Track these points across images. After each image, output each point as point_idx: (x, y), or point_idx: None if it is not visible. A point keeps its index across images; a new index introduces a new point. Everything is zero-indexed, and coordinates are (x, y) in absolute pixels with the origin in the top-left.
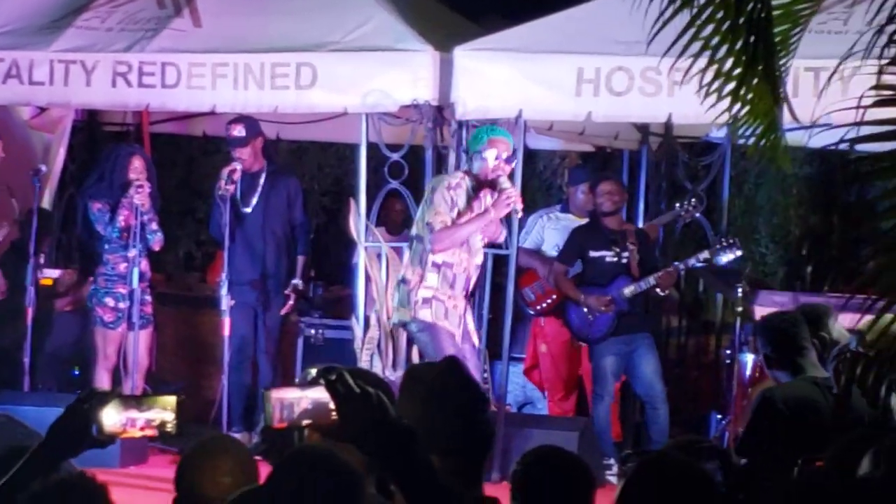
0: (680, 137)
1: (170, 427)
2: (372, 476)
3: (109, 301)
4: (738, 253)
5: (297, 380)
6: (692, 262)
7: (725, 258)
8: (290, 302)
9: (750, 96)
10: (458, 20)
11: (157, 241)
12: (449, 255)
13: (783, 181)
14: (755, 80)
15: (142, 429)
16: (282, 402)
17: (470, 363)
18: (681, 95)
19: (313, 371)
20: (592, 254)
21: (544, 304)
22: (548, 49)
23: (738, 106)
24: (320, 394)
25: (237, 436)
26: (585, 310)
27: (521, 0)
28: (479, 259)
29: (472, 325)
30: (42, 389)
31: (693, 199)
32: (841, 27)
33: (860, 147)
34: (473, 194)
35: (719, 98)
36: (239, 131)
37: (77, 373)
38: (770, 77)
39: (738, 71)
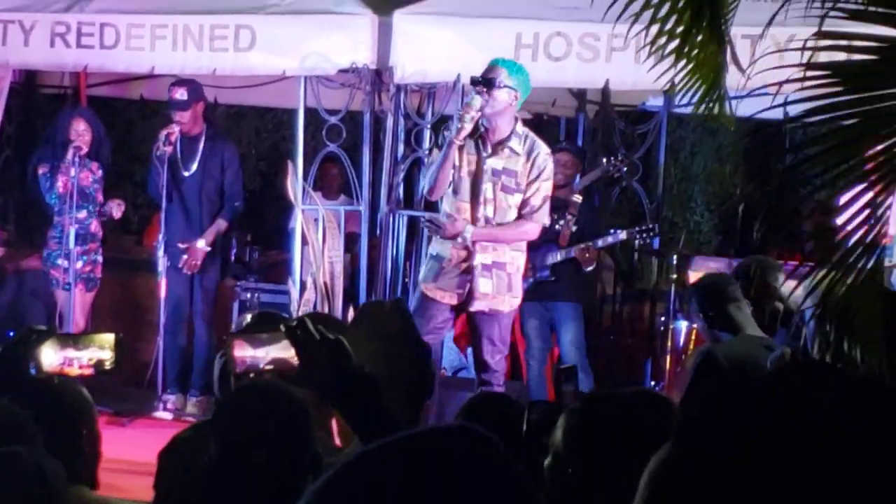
0: (617, 105)
1: (108, 365)
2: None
3: (62, 262)
4: (655, 241)
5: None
6: (610, 239)
7: (642, 241)
8: (185, 257)
9: (695, 52)
10: None
11: (113, 211)
12: (449, 204)
13: (718, 150)
14: (700, 36)
15: (81, 367)
16: (242, 360)
17: None
18: (618, 61)
19: (248, 317)
20: None
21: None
22: (487, 14)
23: (682, 64)
24: (281, 351)
25: (171, 397)
26: None
27: None
28: (491, 212)
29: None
30: None
31: (620, 156)
32: None
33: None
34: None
35: (663, 57)
36: (181, 94)
37: (12, 333)
38: (717, 28)
39: (681, 28)
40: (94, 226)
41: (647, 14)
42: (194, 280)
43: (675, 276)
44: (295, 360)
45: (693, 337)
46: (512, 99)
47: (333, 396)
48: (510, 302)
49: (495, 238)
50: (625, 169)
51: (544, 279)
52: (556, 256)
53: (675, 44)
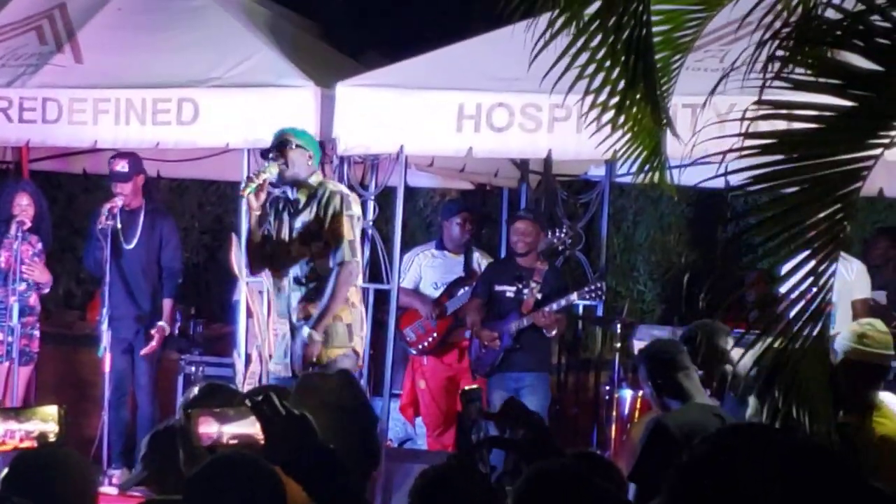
0: (559, 175)
1: (52, 437)
2: None
3: None
4: (603, 297)
5: (179, 403)
6: (563, 302)
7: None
8: (153, 343)
9: (630, 123)
10: (340, 58)
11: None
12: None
13: (661, 219)
14: (636, 105)
15: (21, 440)
16: (206, 436)
17: None
18: (561, 131)
19: (195, 389)
20: (497, 288)
21: (425, 344)
22: (429, 85)
23: (619, 133)
24: (243, 428)
25: (116, 472)
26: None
27: (402, 38)
28: (299, 270)
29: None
30: None
31: (566, 229)
32: (717, 65)
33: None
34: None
35: (602, 126)
36: (122, 166)
37: None
38: (651, 97)
39: (615, 100)
40: (33, 299)
41: (584, 84)
42: (136, 354)
43: (618, 344)
44: (259, 436)
45: (638, 405)
46: (306, 158)
47: (298, 472)
48: (335, 353)
49: (332, 311)
50: (569, 241)
51: (509, 347)
52: (521, 324)
53: (611, 114)
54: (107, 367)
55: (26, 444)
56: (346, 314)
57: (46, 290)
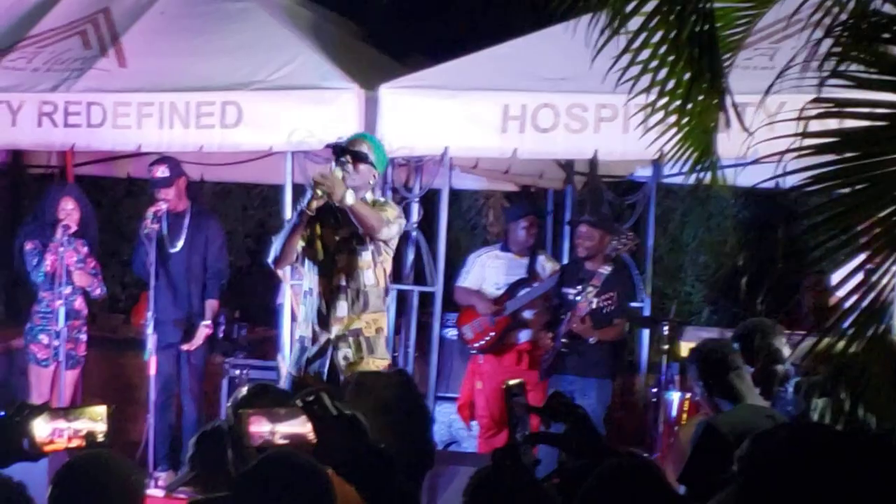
0: (605, 176)
1: (100, 437)
2: None
3: (43, 338)
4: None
5: (227, 404)
6: (587, 308)
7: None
8: (197, 340)
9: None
10: (384, 60)
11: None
12: (309, 281)
13: (708, 219)
14: (701, 97)
15: (69, 439)
16: (258, 436)
17: None
18: (607, 131)
19: (244, 389)
20: (562, 290)
21: (483, 342)
22: (473, 86)
23: (672, 131)
24: (295, 427)
25: (161, 475)
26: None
27: (446, 41)
28: (345, 279)
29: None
30: None
31: (627, 235)
32: (767, 63)
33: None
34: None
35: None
36: (162, 172)
37: (3, 414)
38: (716, 91)
39: (678, 93)
40: (79, 303)
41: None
42: (182, 357)
43: (666, 346)
44: (311, 436)
45: (686, 408)
46: (371, 176)
47: (351, 472)
48: (377, 364)
49: (362, 214)
50: (631, 245)
51: (559, 349)
52: (562, 328)
53: (662, 113)
54: (152, 370)
55: (74, 443)
56: (386, 327)
57: (97, 293)
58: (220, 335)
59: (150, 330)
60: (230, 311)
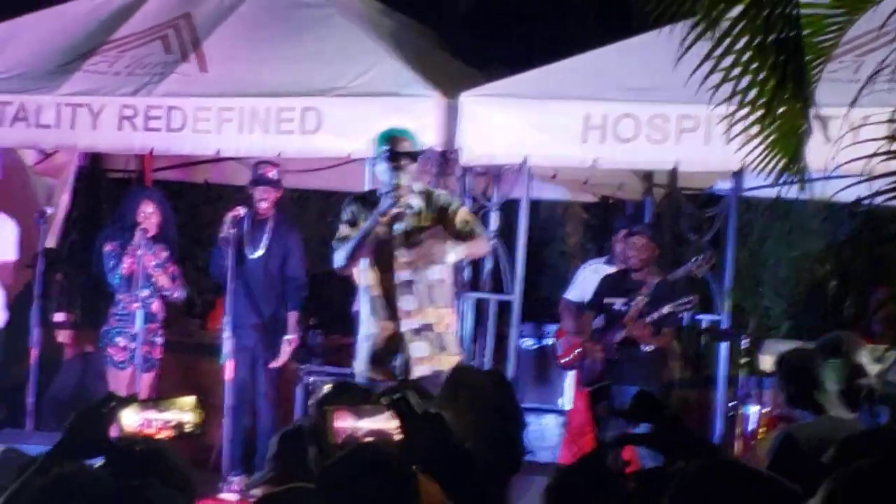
0: (684, 189)
1: (189, 427)
2: None
3: (120, 341)
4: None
5: (310, 402)
6: (655, 315)
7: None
8: (283, 357)
9: (775, 126)
10: (464, 68)
11: (174, 296)
12: (364, 277)
13: (789, 234)
14: (783, 106)
15: (158, 430)
16: (342, 431)
17: None
18: (688, 142)
19: (327, 387)
20: (606, 300)
21: (569, 358)
22: (554, 95)
23: (757, 140)
24: (380, 423)
25: (235, 479)
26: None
27: (527, 50)
28: (412, 274)
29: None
30: (44, 430)
31: (706, 254)
32: (851, 76)
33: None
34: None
35: (749, 125)
36: (273, 174)
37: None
38: (801, 99)
39: (761, 102)
40: (156, 306)
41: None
42: (258, 362)
43: (744, 360)
44: (395, 433)
45: (763, 422)
46: (417, 167)
47: (434, 471)
48: (449, 361)
49: (467, 253)
50: (707, 269)
51: (610, 358)
52: (617, 336)
53: (746, 123)
54: (228, 375)
55: (163, 433)
56: (454, 323)
57: (176, 296)
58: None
59: (226, 334)
60: (305, 318)
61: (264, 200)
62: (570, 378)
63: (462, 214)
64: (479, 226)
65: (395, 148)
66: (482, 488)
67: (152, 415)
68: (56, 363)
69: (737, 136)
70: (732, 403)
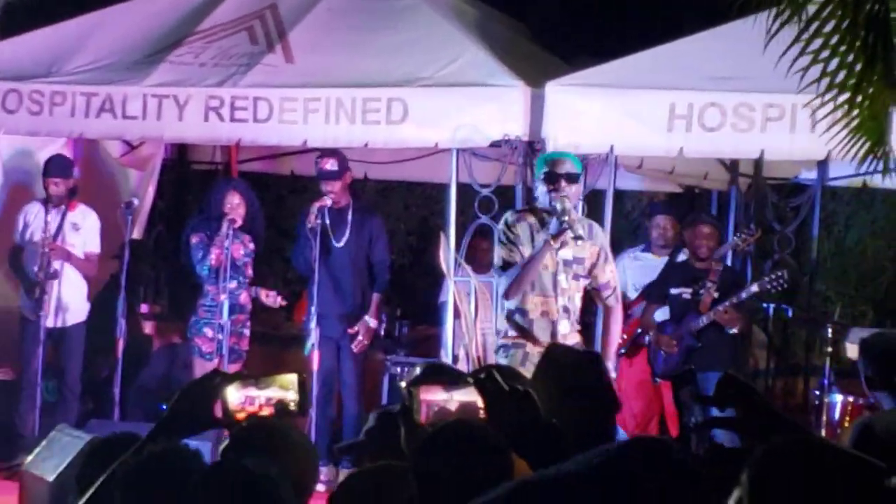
0: (769, 178)
1: (292, 405)
2: None
3: (208, 332)
4: (785, 286)
5: (403, 382)
6: (743, 294)
7: (773, 289)
8: (359, 338)
9: (863, 106)
10: (550, 58)
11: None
12: (519, 300)
13: (873, 223)
14: (872, 86)
15: (260, 407)
16: (429, 403)
17: None
18: (774, 131)
19: (418, 368)
20: (672, 291)
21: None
22: (640, 85)
23: (842, 124)
24: (468, 395)
25: (322, 469)
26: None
27: (612, 39)
28: (567, 301)
29: None
30: (130, 420)
31: (750, 228)
32: None
33: None
34: (544, 227)
35: (835, 108)
36: (332, 165)
37: (164, 406)
38: (889, 80)
39: (850, 83)
40: (244, 297)
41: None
42: (343, 352)
43: (830, 348)
44: (482, 410)
45: (849, 410)
46: (581, 190)
47: (522, 448)
48: None
49: (615, 349)
50: (752, 241)
51: (692, 346)
52: (700, 323)
53: (843, 97)
54: (314, 365)
55: (266, 411)
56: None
57: (266, 302)
58: (382, 333)
59: (312, 324)
60: (392, 308)
61: (331, 193)
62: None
63: (613, 270)
64: (619, 292)
65: (554, 170)
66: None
67: (254, 392)
68: (142, 354)
69: (822, 120)
70: (817, 392)
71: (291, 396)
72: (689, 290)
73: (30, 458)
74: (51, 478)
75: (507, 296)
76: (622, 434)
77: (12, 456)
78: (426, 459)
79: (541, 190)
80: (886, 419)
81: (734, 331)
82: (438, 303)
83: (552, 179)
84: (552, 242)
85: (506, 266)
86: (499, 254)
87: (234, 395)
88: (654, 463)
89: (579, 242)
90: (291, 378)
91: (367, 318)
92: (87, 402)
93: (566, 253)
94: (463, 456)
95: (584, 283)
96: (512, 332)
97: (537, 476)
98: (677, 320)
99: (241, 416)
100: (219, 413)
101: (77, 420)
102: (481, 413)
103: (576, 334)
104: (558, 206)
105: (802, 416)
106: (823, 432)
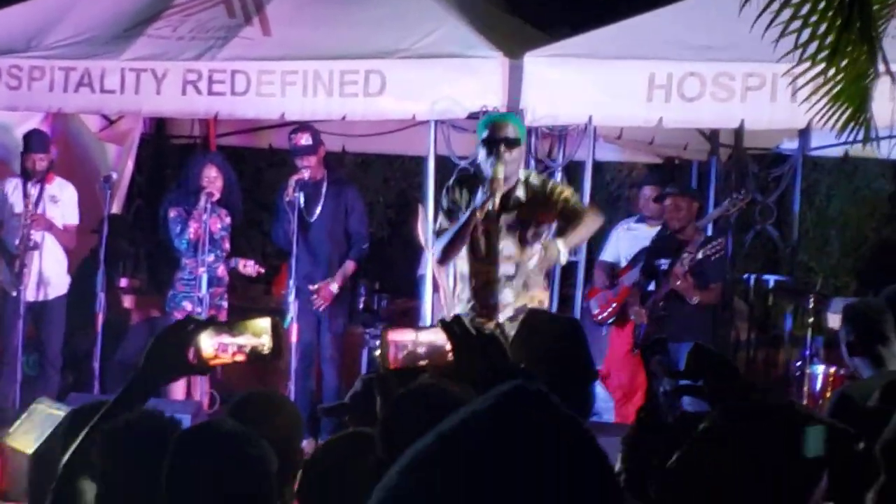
0: (750, 148)
1: (265, 350)
2: None
3: (187, 305)
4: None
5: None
6: (686, 256)
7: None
8: (315, 297)
9: (842, 70)
10: (528, 30)
11: (240, 267)
12: (463, 263)
13: (855, 193)
14: (849, 48)
15: (234, 354)
16: (397, 344)
17: None
18: (754, 101)
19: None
20: (655, 262)
21: (605, 314)
22: (619, 55)
23: (824, 90)
24: (436, 336)
25: (304, 443)
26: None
27: (591, 10)
28: (513, 268)
29: None
30: (110, 394)
31: (741, 193)
32: None
33: None
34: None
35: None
36: (306, 140)
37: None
38: (867, 36)
39: (830, 38)
40: (221, 270)
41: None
42: (322, 325)
43: (811, 319)
44: (449, 353)
45: (830, 381)
46: (522, 155)
47: (486, 389)
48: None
49: (581, 239)
50: (743, 207)
51: (660, 316)
52: (660, 292)
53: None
54: (294, 338)
55: (239, 357)
56: (546, 300)
57: (247, 272)
58: (361, 306)
59: (291, 297)
60: (370, 281)
61: (306, 168)
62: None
63: (562, 193)
64: (578, 199)
65: (495, 134)
66: None
67: (227, 339)
68: (122, 328)
69: (802, 88)
70: (799, 363)
71: (264, 341)
72: (666, 262)
73: (10, 431)
74: (30, 450)
75: (439, 262)
76: (609, 404)
77: None
78: (395, 421)
79: (480, 155)
80: (865, 387)
81: (695, 300)
82: (417, 276)
83: (490, 144)
84: (478, 212)
85: (440, 233)
86: (439, 220)
87: (208, 343)
88: (532, 408)
89: (521, 203)
90: (264, 323)
91: (330, 280)
92: (67, 375)
93: (509, 217)
94: (431, 416)
95: (537, 246)
96: (462, 297)
97: (443, 427)
98: (645, 291)
99: (215, 362)
100: (192, 359)
101: (57, 394)
102: (448, 356)
103: (527, 295)
104: (490, 173)
105: (784, 387)
106: (805, 403)
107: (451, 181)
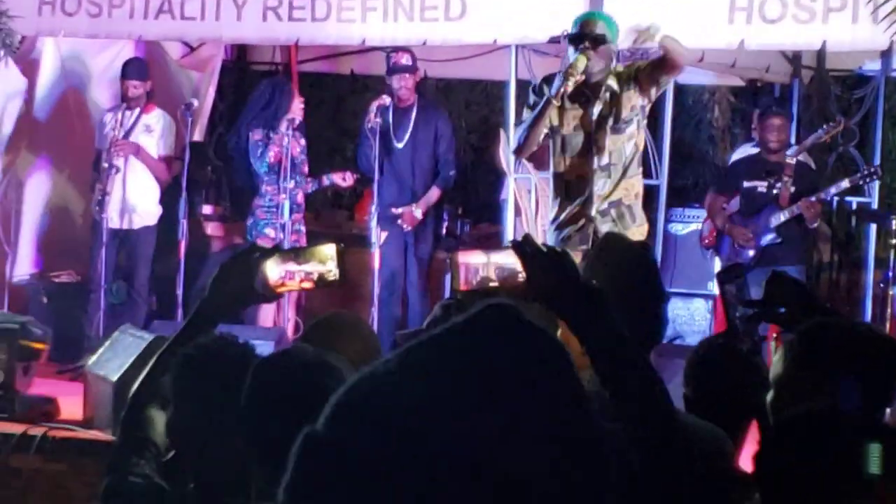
0: (832, 70)
1: (330, 276)
2: None
3: (270, 231)
4: (878, 181)
5: None
6: (833, 189)
7: (865, 184)
8: (399, 221)
9: None
10: None
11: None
12: (556, 166)
13: None
14: None
15: (301, 281)
16: (468, 266)
17: None
18: (835, 21)
19: None
20: (746, 184)
21: (709, 239)
22: None
23: None
24: (507, 258)
25: None
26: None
27: None
28: (608, 157)
29: None
30: None
31: (836, 120)
32: None
33: None
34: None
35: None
36: (407, 59)
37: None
38: None
39: None
40: (300, 197)
41: None
42: (408, 252)
43: (894, 241)
44: (521, 275)
45: None
46: (612, 54)
47: (558, 306)
48: (641, 231)
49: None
50: (839, 133)
51: (770, 243)
52: (780, 217)
53: None
54: (377, 265)
55: (306, 284)
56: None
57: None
58: (444, 231)
59: (373, 223)
60: (453, 207)
61: (403, 88)
62: (718, 263)
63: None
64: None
65: (583, 30)
66: (611, 322)
67: (293, 266)
68: (204, 255)
69: (883, 5)
70: (882, 285)
71: (330, 267)
72: (764, 184)
73: (93, 358)
74: (114, 378)
75: (515, 153)
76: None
77: (78, 357)
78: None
79: (569, 52)
80: None
81: (815, 225)
82: (499, 200)
83: (576, 40)
84: (553, 100)
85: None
86: (522, 115)
87: (274, 270)
88: (505, 321)
89: (616, 94)
90: (329, 250)
91: (414, 205)
92: (151, 303)
93: (602, 107)
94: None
95: (627, 133)
96: (552, 197)
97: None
98: (750, 214)
99: (282, 289)
100: (259, 288)
101: (144, 322)
102: (520, 277)
103: (624, 192)
104: (568, 63)
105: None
106: (887, 325)
107: (537, 81)
